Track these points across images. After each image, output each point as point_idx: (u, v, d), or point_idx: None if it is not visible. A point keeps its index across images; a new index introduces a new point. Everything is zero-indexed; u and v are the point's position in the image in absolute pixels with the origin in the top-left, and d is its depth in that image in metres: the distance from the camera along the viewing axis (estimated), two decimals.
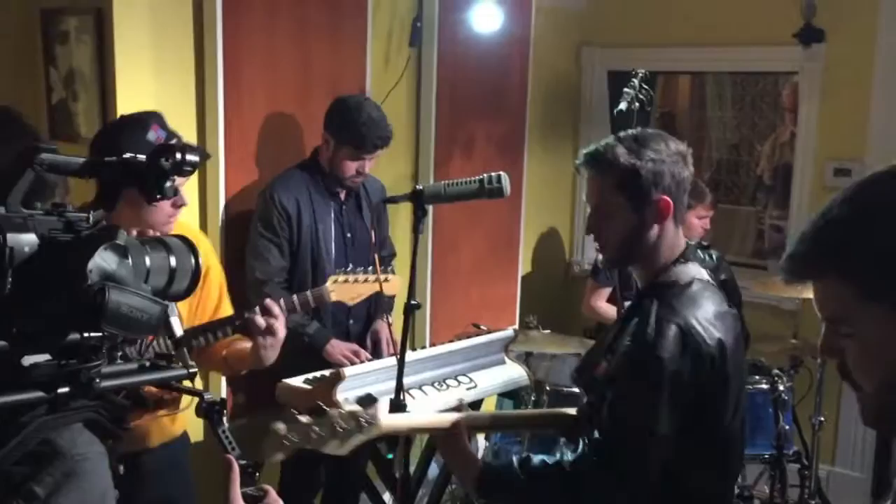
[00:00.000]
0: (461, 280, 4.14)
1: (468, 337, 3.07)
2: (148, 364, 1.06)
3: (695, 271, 1.86)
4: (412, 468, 2.65)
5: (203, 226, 3.13)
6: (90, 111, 2.82)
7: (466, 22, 3.86)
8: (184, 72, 3.02)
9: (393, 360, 2.58)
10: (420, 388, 2.70)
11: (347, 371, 2.52)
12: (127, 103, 2.78)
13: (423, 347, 3.10)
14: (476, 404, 2.90)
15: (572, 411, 2.07)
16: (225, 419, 1.24)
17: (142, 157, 1.00)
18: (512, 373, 3.08)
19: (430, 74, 3.85)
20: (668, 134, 1.90)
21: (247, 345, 2.15)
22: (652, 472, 1.78)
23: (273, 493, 1.30)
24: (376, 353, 3.15)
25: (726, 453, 1.89)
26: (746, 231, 5.71)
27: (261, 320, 2.07)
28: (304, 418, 1.74)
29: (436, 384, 2.76)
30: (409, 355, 2.48)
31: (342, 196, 3.16)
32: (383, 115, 3.06)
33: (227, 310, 2.33)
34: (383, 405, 1.86)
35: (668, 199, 1.83)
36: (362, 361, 2.92)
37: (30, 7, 2.93)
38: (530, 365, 3.42)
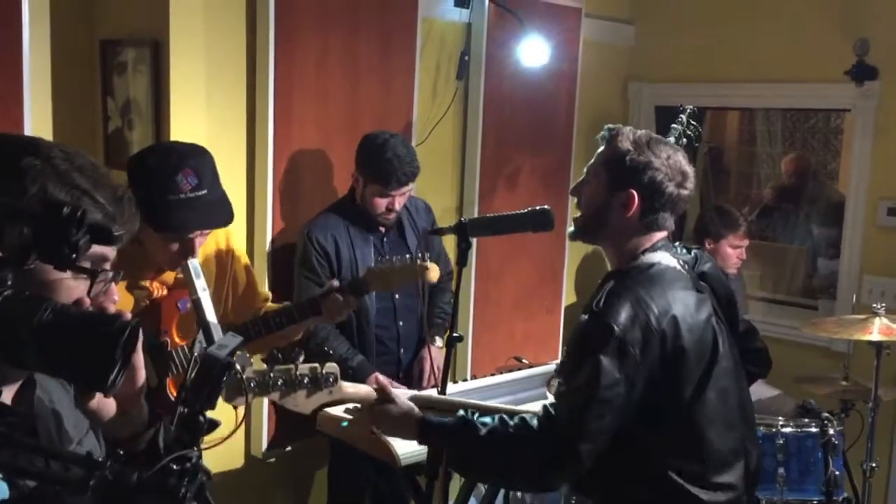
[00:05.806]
0: (504, 312, 4.12)
1: (510, 370, 3.05)
2: None
3: (660, 257, 1.94)
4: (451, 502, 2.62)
5: (250, 256, 3.16)
6: (144, 140, 2.89)
7: (514, 56, 3.88)
8: (236, 104, 3.09)
9: (433, 392, 2.56)
10: None
11: None
12: (180, 133, 2.84)
13: (465, 380, 3.09)
14: None
15: None
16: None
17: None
18: None
19: (477, 108, 3.87)
20: (683, 154, 1.99)
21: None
22: (589, 437, 1.79)
23: None
24: (419, 384, 3.14)
25: (695, 435, 1.89)
26: (795, 269, 5.59)
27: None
28: (266, 367, 1.93)
29: None
30: (450, 387, 2.46)
31: (383, 229, 3.14)
32: (410, 151, 3.03)
33: (258, 290, 2.59)
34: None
35: (634, 193, 1.91)
36: None
37: (89, 38, 3.02)
38: None
